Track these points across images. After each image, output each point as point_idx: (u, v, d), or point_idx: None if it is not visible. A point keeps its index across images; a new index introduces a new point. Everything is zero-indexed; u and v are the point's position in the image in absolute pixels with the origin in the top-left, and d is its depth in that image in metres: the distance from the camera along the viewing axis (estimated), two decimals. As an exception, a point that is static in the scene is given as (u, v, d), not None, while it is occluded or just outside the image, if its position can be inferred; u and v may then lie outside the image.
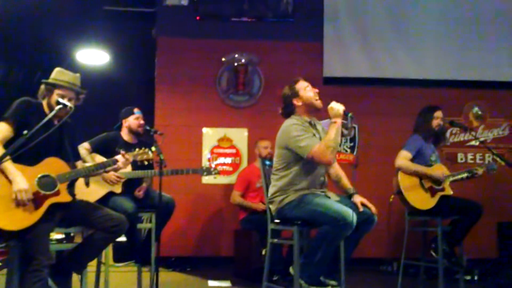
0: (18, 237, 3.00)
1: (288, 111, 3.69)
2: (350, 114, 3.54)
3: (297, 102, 3.64)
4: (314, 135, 3.58)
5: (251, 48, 6.54)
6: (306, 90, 3.64)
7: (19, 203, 2.94)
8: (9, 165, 2.96)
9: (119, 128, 4.59)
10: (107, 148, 4.27)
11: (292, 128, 3.53)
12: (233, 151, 6.44)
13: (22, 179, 2.97)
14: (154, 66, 6.51)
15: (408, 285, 4.81)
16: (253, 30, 6.56)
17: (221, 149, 6.43)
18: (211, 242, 6.35)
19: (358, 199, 3.53)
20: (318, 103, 3.62)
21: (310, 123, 3.64)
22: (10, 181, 2.97)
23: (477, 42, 6.52)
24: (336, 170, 3.81)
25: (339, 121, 3.47)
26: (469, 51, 6.50)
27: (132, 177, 4.32)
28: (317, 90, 3.67)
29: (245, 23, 6.54)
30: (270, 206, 3.67)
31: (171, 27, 6.50)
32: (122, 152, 3.47)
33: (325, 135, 3.53)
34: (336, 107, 3.50)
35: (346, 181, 3.75)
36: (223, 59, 6.49)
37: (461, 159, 6.51)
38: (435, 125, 4.61)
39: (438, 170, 4.49)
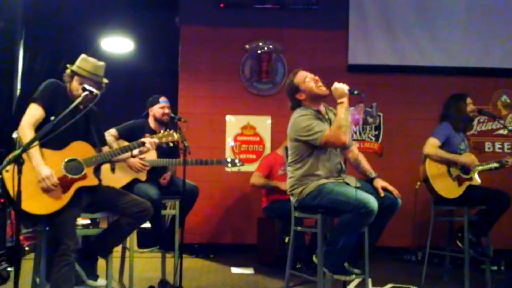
0: (46, 221, 3.05)
1: (295, 104, 3.63)
2: (355, 92, 3.44)
3: (300, 97, 3.59)
4: (323, 122, 3.51)
5: (275, 36, 6.50)
6: (306, 82, 3.56)
7: (46, 190, 2.98)
8: (34, 153, 2.99)
9: (147, 116, 4.60)
10: (134, 136, 4.26)
11: (299, 119, 3.48)
12: (257, 138, 6.44)
13: (43, 167, 2.99)
14: (178, 54, 6.53)
15: (433, 275, 4.77)
16: (277, 18, 6.51)
17: (244, 136, 6.44)
18: (234, 230, 6.38)
19: (379, 184, 3.45)
20: (321, 90, 3.52)
21: (318, 111, 3.57)
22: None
23: (504, 29, 6.38)
24: (354, 154, 3.71)
25: (345, 100, 3.38)
26: (495, 38, 6.38)
27: (157, 165, 4.34)
28: (317, 78, 3.58)
29: (269, 11, 6.50)
30: (291, 198, 3.65)
31: (194, 15, 6.50)
32: (147, 134, 3.49)
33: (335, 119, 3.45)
34: (340, 87, 3.42)
35: (366, 165, 3.66)
36: (247, 47, 6.47)
37: (489, 148, 6.40)
38: (470, 111, 4.54)
39: (467, 158, 4.43)
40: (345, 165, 3.69)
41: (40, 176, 2.97)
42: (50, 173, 2.99)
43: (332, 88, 3.46)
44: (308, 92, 3.55)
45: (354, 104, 6.18)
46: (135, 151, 3.47)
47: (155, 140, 3.47)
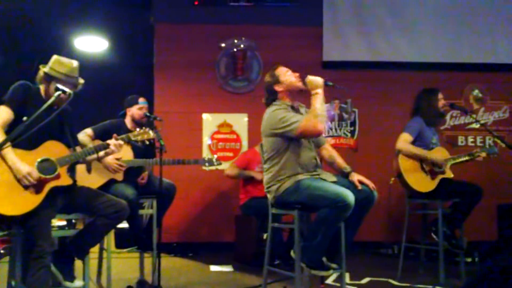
0: (20, 223, 3.02)
1: (271, 98, 3.63)
2: (330, 83, 3.46)
3: (278, 88, 3.60)
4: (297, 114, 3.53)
5: (250, 33, 6.52)
6: (287, 75, 3.59)
7: (27, 187, 2.96)
8: (8, 153, 2.95)
9: (124, 115, 4.56)
10: (110, 135, 4.21)
11: (275, 113, 3.50)
12: (233, 136, 6.45)
13: (21, 164, 2.97)
14: (153, 53, 6.49)
15: (409, 268, 4.84)
16: (252, 15, 6.52)
17: (221, 134, 6.44)
18: (212, 228, 6.39)
19: (355, 177, 3.47)
20: (300, 84, 3.54)
21: (292, 107, 3.60)
22: (10, 168, 2.97)
23: (473, 25, 6.53)
24: (329, 151, 3.76)
25: (320, 91, 3.40)
26: (465, 34, 6.52)
27: (133, 165, 4.30)
28: (297, 74, 3.59)
29: (243, 8, 6.50)
30: (268, 195, 3.66)
31: (168, 13, 6.47)
32: (115, 135, 3.46)
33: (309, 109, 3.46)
34: (314, 78, 3.45)
35: (340, 161, 3.70)
36: (222, 44, 6.46)
37: (462, 142, 6.53)
38: (441, 106, 4.62)
39: (439, 153, 4.50)
40: (321, 163, 3.71)
41: (20, 174, 2.94)
42: (29, 169, 2.97)
43: (307, 80, 3.47)
44: (287, 85, 3.57)
45: (329, 100, 6.24)
46: (101, 153, 3.43)
47: (120, 142, 3.44)
